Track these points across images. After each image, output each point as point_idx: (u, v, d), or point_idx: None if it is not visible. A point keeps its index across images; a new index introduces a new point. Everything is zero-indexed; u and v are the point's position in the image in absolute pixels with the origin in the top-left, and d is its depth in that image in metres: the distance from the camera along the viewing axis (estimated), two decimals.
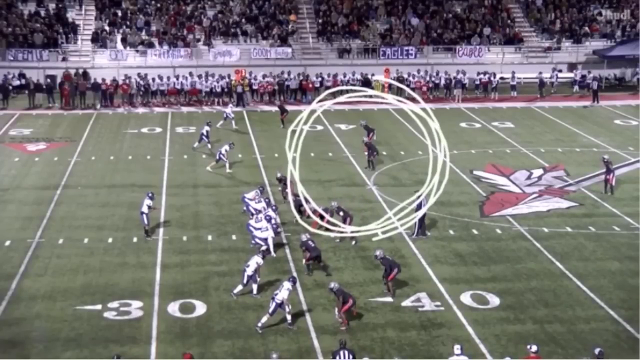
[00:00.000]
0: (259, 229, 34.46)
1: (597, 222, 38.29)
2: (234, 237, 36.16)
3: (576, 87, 68.64)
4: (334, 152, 49.66)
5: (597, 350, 24.05)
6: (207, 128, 49.41)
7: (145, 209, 35.76)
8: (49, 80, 65.25)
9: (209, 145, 48.69)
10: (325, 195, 41.37)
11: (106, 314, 29.08)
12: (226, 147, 45.47)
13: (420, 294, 30.82)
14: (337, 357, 23.50)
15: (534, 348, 24.33)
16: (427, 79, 67.19)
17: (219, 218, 38.46)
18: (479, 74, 67.74)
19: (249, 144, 52.09)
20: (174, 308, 29.56)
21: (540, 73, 68.15)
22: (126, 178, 44.20)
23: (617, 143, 52.34)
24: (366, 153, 46.61)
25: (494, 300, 30.32)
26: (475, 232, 37.08)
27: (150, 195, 36.45)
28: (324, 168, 46.63)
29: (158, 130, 55.80)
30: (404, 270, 32.55)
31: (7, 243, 34.09)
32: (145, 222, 35.80)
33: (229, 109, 56.55)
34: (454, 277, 32.36)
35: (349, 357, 23.29)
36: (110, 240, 35.28)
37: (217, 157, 45.27)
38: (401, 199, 40.20)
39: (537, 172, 46.01)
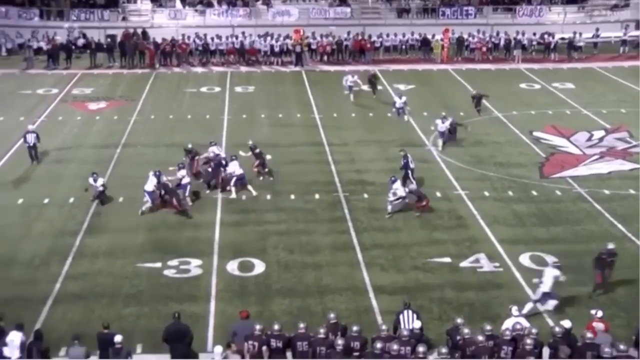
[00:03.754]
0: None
1: None
2: (292, 196, 36.21)
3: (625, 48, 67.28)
4: (393, 112, 49.37)
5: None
6: None
7: (150, 188, 34.43)
8: (109, 39, 65.78)
9: None
10: (383, 156, 41.27)
11: (166, 272, 29.37)
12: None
13: (479, 255, 30.69)
14: (401, 317, 23.33)
15: (600, 314, 23.73)
16: (487, 39, 66.43)
17: (277, 177, 38.49)
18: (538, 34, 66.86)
19: (307, 103, 52.01)
20: (232, 266, 29.77)
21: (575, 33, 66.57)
22: (185, 137, 44.34)
23: None
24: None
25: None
26: (534, 193, 36.75)
27: (157, 173, 34.85)
28: (382, 128, 46.42)
29: (217, 89, 55.95)
30: (462, 231, 32.51)
31: (71, 200, 34.47)
32: (150, 201, 34.54)
33: (348, 80, 53.49)
34: (512, 238, 32.15)
35: (413, 317, 23.10)
36: (167, 197, 35.44)
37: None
38: (459, 160, 40.07)
39: (598, 134, 45.39)
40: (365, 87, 53.39)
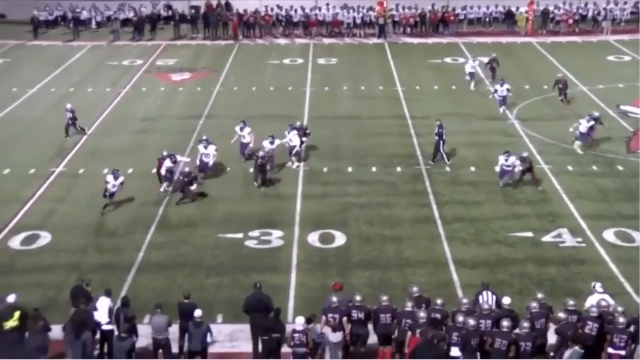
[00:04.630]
0: None
1: None
2: (373, 169, 36.19)
3: None
4: (476, 85, 48.90)
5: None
6: None
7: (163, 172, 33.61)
8: (193, 11, 66.29)
9: None
10: (466, 129, 40.98)
11: (247, 243, 29.61)
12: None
13: (561, 230, 30.33)
14: (480, 298, 22.99)
15: None
16: (574, 11, 65.31)
17: (359, 150, 38.49)
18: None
19: (390, 76, 51.83)
20: (313, 238, 29.90)
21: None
22: (267, 109, 44.60)
23: None
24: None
25: None
26: (620, 168, 36.13)
27: (173, 158, 33.66)
28: (464, 101, 46.06)
29: (299, 61, 56.04)
30: (545, 205, 32.18)
31: (154, 171, 34.91)
32: (166, 184, 33.72)
33: (469, 65, 50.43)
34: (596, 213, 31.69)
35: (492, 298, 22.83)
36: (251, 170, 35.69)
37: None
38: (543, 134, 39.58)
39: None
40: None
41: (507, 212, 31.91)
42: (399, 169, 36.16)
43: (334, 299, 22.06)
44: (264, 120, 41.78)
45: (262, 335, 21.87)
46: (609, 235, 29.86)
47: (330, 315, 21.63)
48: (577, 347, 20.12)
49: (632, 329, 20.91)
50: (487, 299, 22.42)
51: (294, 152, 36.52)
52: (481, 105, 45.07)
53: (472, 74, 49.05)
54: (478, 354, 20.62)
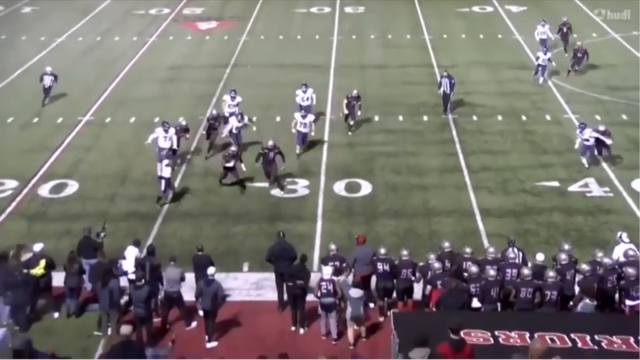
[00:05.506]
0: None
1: None
2: (400, 117, 36.11)
3: None
4: (504, 34, 48.56)
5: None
6: None
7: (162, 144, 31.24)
8: None
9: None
10: (494, 78, 40.77)
11: (273, 192, 29.68)
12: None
13: (589, 179, 30.22)
14: (507, 254, 22.84)
15: None
16: None
17: (386, 98, 38.38)
18: None
19: (418, 24, 51.49)
20: (339, 187, 29.94)
21: None
22: (295, 58, 44.47)
23: None
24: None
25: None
26: None
27: (166, 126, 31.44)
28: (492, 50, 45.75)
29: (327, 10, 55.73)
30: (572, 155, 31.97)
31: (180, 119, 34.95)
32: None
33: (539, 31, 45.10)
34: (625, 163, 31.49)
35: (519, 256, 22.40)
36: (278, 119, 35.70)
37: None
38: (571, 83, 39.27)
39: None
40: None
41: (533, 162, 31.79)
42: (425, 117, 36.06)
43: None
44: (292, 69, 41.69)
45: (286, 282, 22.00)
46: (638, 185, 29.69)
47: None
48: (587, 300, 20.09)
49: None
50: (513, 253, 22.26)
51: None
52: (510, 55, 44.74)
53: (543, 41, 43.67)
54: (498, 304, 20.62)
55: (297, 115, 32.73)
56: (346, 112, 34.44)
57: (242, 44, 47.96)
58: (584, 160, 31.26)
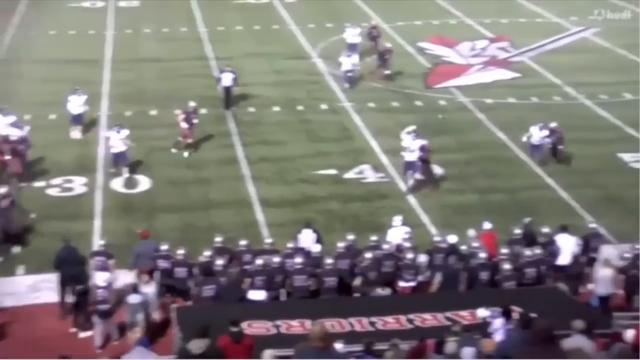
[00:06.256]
0: None
1: (540, 93, 38.56)
2: (178, 111, 35.87)
3: None
4: (279, 25, 49.16)
5: (526, 220, 24.21)
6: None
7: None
8: None
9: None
10: (271, 69, 41.23)
11: (49, 191, 28.97)
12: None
13: (364, 166, 31.04)
14: (299, 236, 23.22)
15: (488, 226, 23.69)
16: None
17: (163, 92, 38.08)
18: None
19: (193, 17, 51.24)
20: (117, 183, 29.54)
21: None
22: (69, 53, 43.36)
23: (560, 12, 52.22)
24: None
25: (438, 171, 30.57)
26: (419, 103, 37.22)
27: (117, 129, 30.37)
28: (268, 41, 46.19)
29: (100, 4, 54.39)
30: (348, 142, 32.85)
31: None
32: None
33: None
34: (397, 148, 32.30)
35: (313, 237, 23.05)
36: (52, 117, 34.82)
37: None
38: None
39: (481, 43, 45.97)
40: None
41: (310, 151, 32.41)
42: (204, 110, 35.99)
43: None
44: (66, 65, 40.81)
45: (69, 284, 21.51)
46: None
47: (97, 258, 21.59)
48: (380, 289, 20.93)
49: (422, 261, 21.79)
50: (308, 237, 22.86)
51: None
52: (285, 45, 45.32)
53: (353, 46, 41.18)
54: (282, 290, 20.98)
55: (112, 134, 30.20)
56: (186, 126, 32.04)
57: (11, 38, 46.30)
58: (536, 160, 31.09)
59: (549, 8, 53.03)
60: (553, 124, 31.00)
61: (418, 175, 28.38)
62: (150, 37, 47.07)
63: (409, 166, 29.01)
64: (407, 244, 22.26)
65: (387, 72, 39.29)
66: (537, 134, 30.72)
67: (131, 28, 48.76)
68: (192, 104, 32.73)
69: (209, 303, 20.25)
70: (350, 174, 30.43)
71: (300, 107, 36.40)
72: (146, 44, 45.74)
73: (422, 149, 28.74)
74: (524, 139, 31.19)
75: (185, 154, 31.71)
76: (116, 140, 29.93)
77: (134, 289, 20.59)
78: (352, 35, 41.64)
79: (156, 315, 20.66)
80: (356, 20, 46.64)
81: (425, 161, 28.84)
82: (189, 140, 31.88)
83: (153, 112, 35.91)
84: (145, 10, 53.05)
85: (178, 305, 20.62)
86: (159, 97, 37.55)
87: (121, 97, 37.42)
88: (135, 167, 30.47)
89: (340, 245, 22.13)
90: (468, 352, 15.17)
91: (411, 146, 28.88)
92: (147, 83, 39.42)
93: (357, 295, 21.21)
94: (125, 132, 30.15)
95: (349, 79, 38.35)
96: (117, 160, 30.11)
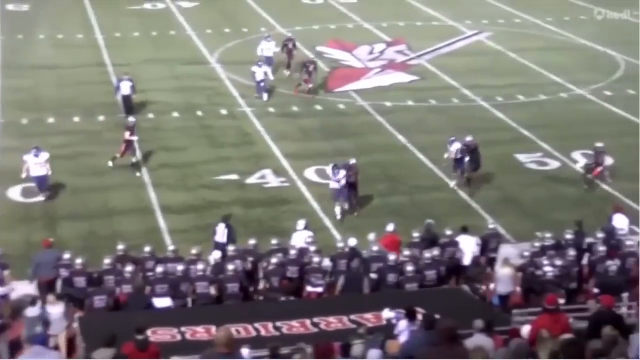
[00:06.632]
0: None
1: (438, 95, 39.13)
2: (76, 119, 35.49)
3: None
4: (177, 31, 48.92)
5: (427, 223, 24.53)
6: None
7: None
8: None
9: None
10: (170, 75, 41.03)
11: None
12: None
13: (265, 171, 31.11)
14: (217, 229, 24.09)
15: (391, 228, 23.99)
16: None
17: (60, 99, 37.59)
18: None
19: (89, 24, 50.58)
20: (15, 193, 29.02)
21: None
22: None
23: (455, 16, 53.14)
24: None
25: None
26: (319, 107, 37.42)
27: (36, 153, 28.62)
28: (166, 47, 45.90)
29: None
30: (249, 147, 32.90)
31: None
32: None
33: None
34: (298, 153, 32.72)
35: (225, 233, 23.88)
36: None
37: None
38: (245, 77, 40.10)
39: (379, 47, 46.46)
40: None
41: (212, 156, 32.37)
42: (102, 118, 35.67)
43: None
44: None
45: None
46: (311, 173, 30.93)
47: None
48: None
49: (327, 265, 21.94)
50: (221, 233, 23.83)
51: None
52: (184, 51, 45.11)
53: (269, 59, 40.33)
54: (189, 300, 20.93)
55: (30, 158, 28.31)
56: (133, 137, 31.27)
57: None
58: (454, 182, 30.03)
59: (444, 12, 53.89)
60: (469, 138, 29.88)
61: (346, 205, 27.91)
62: (45, 43, 46.28)
63: (337, 195, 28.17)
64: (313, 248, 22.37)
65: (311, 85, 38.55)
66: (455, 148, 29.53)
67: (22, 33, 47.77)
68: (131, 119, 31.95)
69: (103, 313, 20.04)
70: (252, 179, 30.48)
71: (200, 113, 36.31)
72: (41, 50, 44.95)
73: (350, 169, 28.04)
74: (446, 156, 30.30)
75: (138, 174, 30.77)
76: (34, 165, 28.20)
77: (33, 301, 19.98)
78: (267, 48, 40.66)
79: (61, 339, 19.75)
80: (256, 25, 46.81)
81: (352, 185, 28.12)
82: (118, 155, 30.77)
83: (51, 120, 35.37)
84: (37, 15, 51.86)
85: (81, 315, 20.36)
86: (57, 104, 37.04)
87: (16, 105, 36.73)
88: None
89: (230, 248, 22.42)
90: (374, 354, 15.32)
91: (335, 177, 28.01)
92: (44, 90, 38.81)
93: (261, 300, 21.34)
94: (44, 156, 28.39)
95: (262, 89, 37.64)
96: (37, 185, 28.50)
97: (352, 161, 28.34)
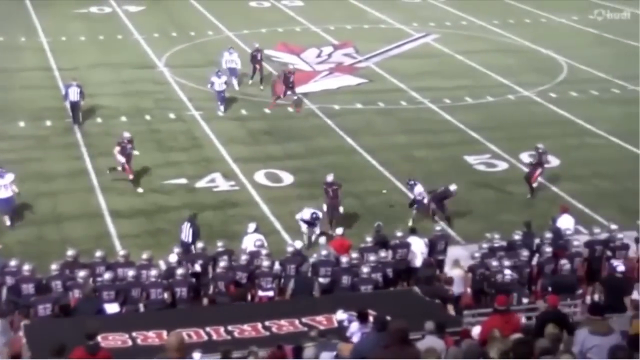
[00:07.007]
0: None
1: (386, 98, 39.31)
2: (21, 123, 35.18)
3: None
4: (124, 35, 48.66)
5: (376, 224, 24.64)
6: None
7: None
8: None
9: None
10: (117, 79, 40.79)
11: None
12: None
13: (215, 175, 31.08)
14: (183, 226, 24.44)
15: (339, 231, 24.34)
16: None
17: (4, 104, 37.31)
18: None
19: (33, 27, 50.11)
20: None
21: None
22: None
23: (402, 18, 53.44)
24: None
25: (288, 178, 30.93)
26: (267, 111, 37.41)
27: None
28: (113, 51, 45.63)
29: None
30: (198, 151, 32.83)
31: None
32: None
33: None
34: (247, 156, 32.71)
35: (189, 232, 24.15)
36: None
37: None
38: (192, 81, 40.06)
39: (326, 50, 46.59)
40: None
41: (161, 160, 32.23)
42: (49, 122, 35.38)
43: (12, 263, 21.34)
44: None
45: None
46: (260, 177, 30.96)
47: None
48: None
49: (277, 269, 21.98)
50: (186, 232, 24.25)
51: None
52: (131, 55, 44.89)
53: (233, 70, 40.09)
54: (140, 305, 20.79)
55: None
56: (123, 160, 30.00)
57: None
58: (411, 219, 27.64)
59: (391, 14, 54.18)
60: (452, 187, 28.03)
61: (317, 230, 27.08)
62: None
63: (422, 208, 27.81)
64: (264, 251, 22.38)
65: (295, 97, 38.11)
66: (418, 191, 27.97)
67: None
68: (126, 134, 30.49)
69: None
70: (201, 183, 30.43)
71: (148, 117, 36.18)
72: None
73: (331, 184, 27.40)
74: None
75: (140, 189, 30.03)
76: None
77: None
78: (231, 60, 40.02)
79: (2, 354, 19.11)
80: (203, 29, 46.73)
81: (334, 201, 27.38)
82: (130, 177, 30.01)
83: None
84: None
85: (26, 322, 20.08)
86: (1, 109, 36.62)
87: None
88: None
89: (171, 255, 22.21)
90: (326, 356, 15.39)
91: (416, 192, 27.59)
92: None
93: (212, 304, 21.31)
94: (10, 177, 27.16)
95: (222, 99, 36.92)
96: (1, 209, 27.31)
97: (330, 177, 27.73)
